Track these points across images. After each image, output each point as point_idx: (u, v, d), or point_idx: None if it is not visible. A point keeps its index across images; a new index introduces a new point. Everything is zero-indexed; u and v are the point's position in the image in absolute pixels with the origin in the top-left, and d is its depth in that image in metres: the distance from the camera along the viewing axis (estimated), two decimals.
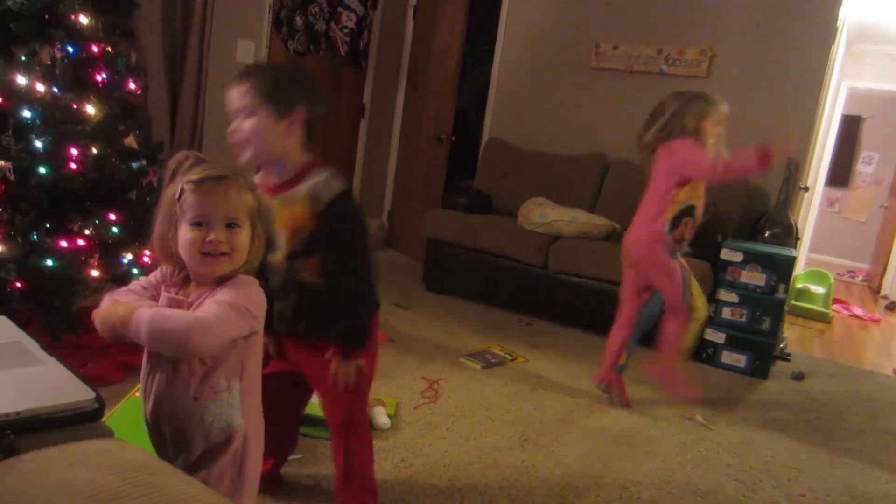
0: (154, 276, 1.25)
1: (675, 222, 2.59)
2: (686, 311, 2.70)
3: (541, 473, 2.14)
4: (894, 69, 6.66)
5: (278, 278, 1.52)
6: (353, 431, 1.69)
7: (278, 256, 1.50)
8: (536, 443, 2.35)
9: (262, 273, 1.37)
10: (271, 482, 1.82)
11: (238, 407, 1.21)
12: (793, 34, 4.07)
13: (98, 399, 1.03)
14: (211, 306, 1.12)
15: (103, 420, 1.06)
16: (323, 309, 1.53)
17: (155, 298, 1.21)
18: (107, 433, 1.01)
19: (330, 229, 1.47)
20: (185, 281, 1.22)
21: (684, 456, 2.41)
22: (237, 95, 1.43)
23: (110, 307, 1.12)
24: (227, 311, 1.12)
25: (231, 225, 1.16)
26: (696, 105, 2.55)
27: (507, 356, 3.20)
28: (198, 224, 1.15)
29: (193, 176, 1.16)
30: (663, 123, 2.58)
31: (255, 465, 1.27)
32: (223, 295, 1.14)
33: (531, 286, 3.96)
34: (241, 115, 1.44)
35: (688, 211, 2.60)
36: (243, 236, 1.17)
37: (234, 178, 1.18)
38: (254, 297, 1.18)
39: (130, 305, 1.11)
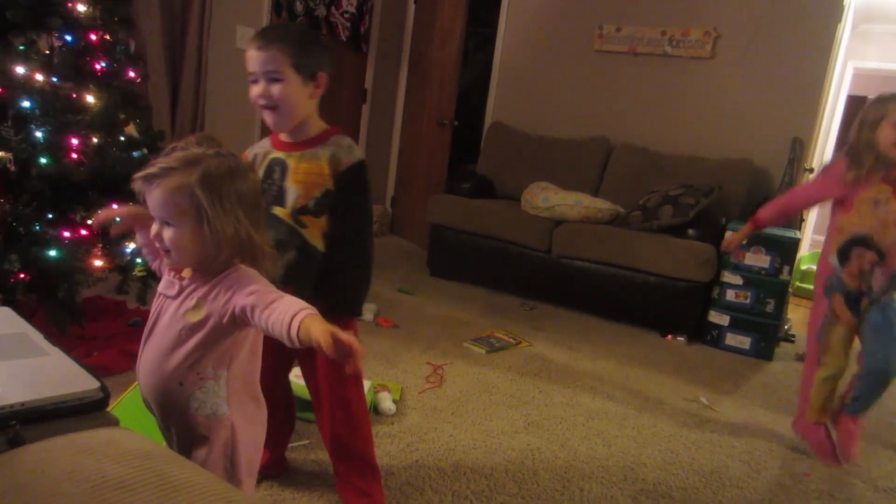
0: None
1: (845, 254, 2.25)
2: (813, 356, 2.39)
3: (546, 456, 2.15)
4: None
5: (280, 231, 1.50)
6: (340, 404, 1.68)
7: (286, 210, 1.51)
8: (541, 426, 2.36)
9: (268, 226, 1.40)
10: (275, 467, 1.83)
11: (224, 396, 1.19)
12: (798, 14, 4.03)
13: (103, 388, 1.03)
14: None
15: (109, 409, 1.06)
16: (315, 271, 1.53)
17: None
18: (112, 422, 1.02)
19: (345, 194, 1.51)
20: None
21: (689, 437, 2.42)
22: (262, 59, 1.44)
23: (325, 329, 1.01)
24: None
25: (165, 223, 1.13)
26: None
27: (512, 340, 3.20)
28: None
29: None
30: None
31: (248, 456, 1.25)
32: (255, 291, 1.11)
33: (535, 270, 3.96)
34: (264, 78, 1.45)
35: (860, 241, 2.22)
36: (175, 234, 1.12)
37: (168, 173, 1.11)
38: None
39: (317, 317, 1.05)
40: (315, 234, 1.52)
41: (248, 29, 4.11)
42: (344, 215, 1.53)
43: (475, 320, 3.47)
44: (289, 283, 1.43)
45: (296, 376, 2.27)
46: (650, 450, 2.29)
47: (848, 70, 6.58)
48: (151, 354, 1.19)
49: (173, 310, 1.18)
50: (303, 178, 1.50)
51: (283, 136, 1.56)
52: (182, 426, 1.20)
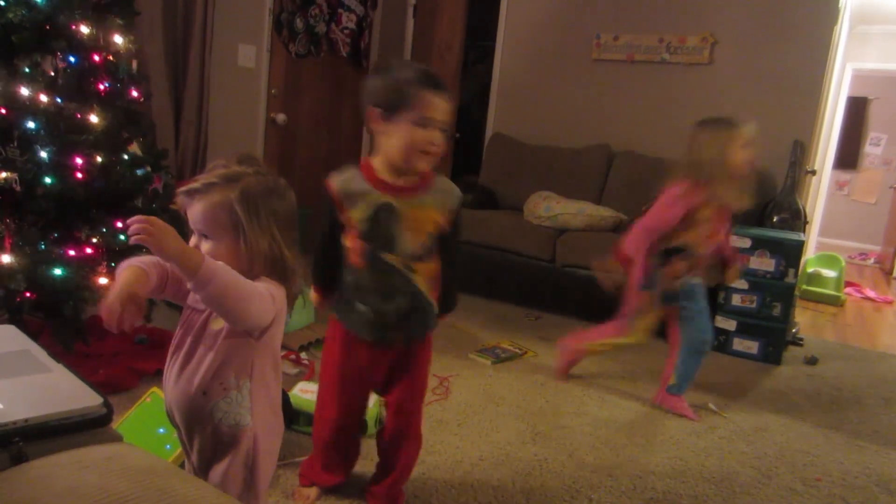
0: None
1: (665, 258, 2.53)
2: (618, 328, 2.67)
3: (554, 467, 2.13)
4: None
5: (391, 277, 1.55)
6: (417, 432, 1.79)
7: (396, 256, 1.53)
8: (549, 436, 2.35)
9: (370, 271, 1.52)
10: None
11: (247, 406, 1.22)
12: (794, 17, 4.04)
13: (106, 404, 1.04)
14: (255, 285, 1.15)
15: (115, 426, 1.07)
16: (426, 318, 1.65)
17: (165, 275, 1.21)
18: (115, 438, 1.02)
19: (454, 228, 1.60)
20: None
21: (697, 444, 2.40)
22: (447, 110, 1.50)
23: (174, 239, 1.05)
24: (266, 294, 1.15)
25: (203, 236, 1.19)
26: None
27: (518, 351, 3.19)
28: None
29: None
30: None
31: (267, 466, 1.28)
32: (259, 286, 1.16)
33: (539, 280, 3.96)
34: (440, 128, 1.49)
35: (680, 250, 2.51)
36: (213, 248, 1.17)
37: (209, 189, 1.16)
38: (276, 294, 1.19)
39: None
40: (422, 280, 1.58)
41: (249, 46, 4.16)
42: (450, 250, 1.63)
43: (480, 331, 3.47)
44: (401, 330, 1.62)
45: (300, 390, 2.28)
46: (659, 458, 2.27)
47: (847, 71, 6.58)
48: (178, 366, 1.22)
49: (201, 322, 1.21)
50: (415, 224, 1.53)
51: (386, 177, 1.54)
52: (205, 437, 1.22)
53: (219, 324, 1.19)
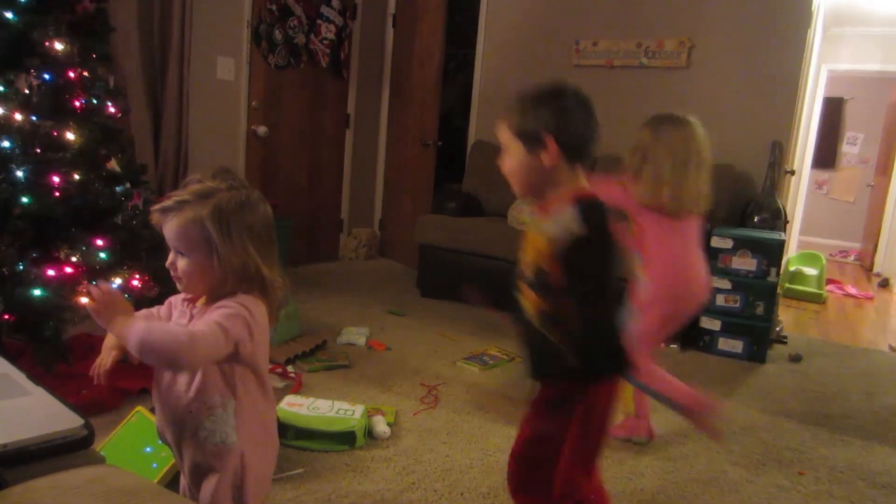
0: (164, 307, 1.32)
1: None
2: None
3: None
4: (872, 49, 6.71)
5: (519, 309, 1.43)
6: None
7: (523, 285, 1.41)
8: None
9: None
10: None
11: (233, 425, 1.21)
12: (769, 20, 4.10)
13: (87, 426, 1.02)
14: (200, 324, 1.14)
15: (100, 446, 1.05)
16: (536, 345, 1.41)
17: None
18: (98, 460, 1.01)
19: (569, 275, 1.30)
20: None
21: (686, 445, 2.41)
22: (498, 132, 1.43)
23: (119, 302, 1.12)
24: (215, 329, 1.13)
25: (179, 252, 1.20)
26: None
27: (505, 357, 3.19)
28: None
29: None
30: None
31: (256, 487, 1.27)
32: (215, 314, 1.16)
33: None
34: (503, 150, 1.41)
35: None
36: (187, 264, 1.19)
37: (182, 206, 1.17)
38: (235, 320, 1.16)
39: (132, 312, 1.14)
40: (529, 307, 1.39)
41: (228, 59, 4.14)
42: (575, 297, 1.31)
43: (467, 338, 3.47)
44: (532, 367, 1.44)
45: (288, 404, 2.26)
46: (648, 459, 2.28)
47: (822, 73, 6.68)
48: (166, 384, 1.23)
49: None
50: (528, 248, 1.39)
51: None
52: (194, 455, 1.22)
53: None
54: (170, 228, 1.18)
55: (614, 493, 2.03)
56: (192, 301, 1.26)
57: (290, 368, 2.80)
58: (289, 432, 2.14)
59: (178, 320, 1.25)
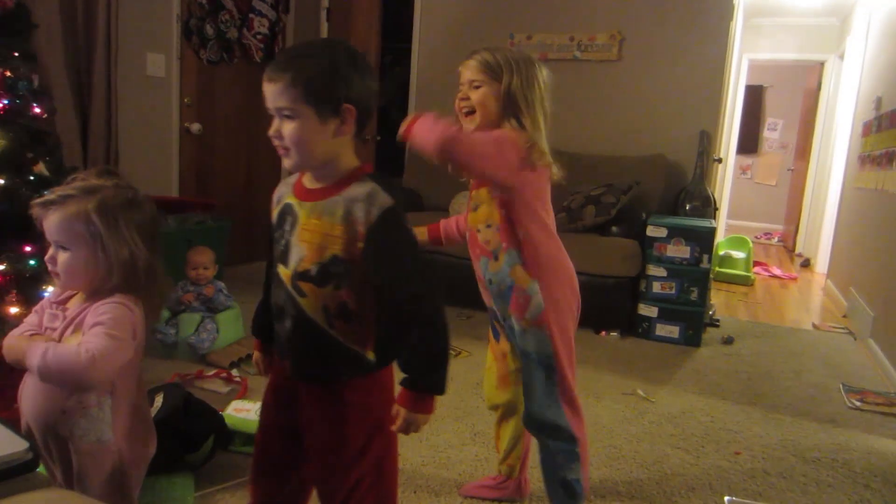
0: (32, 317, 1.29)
1: None
2: None
3: (494, 465, 2.16)
4: (789, 39, 7.03)
5: (279, 296, 1.26)
6: None
7: (288, 271, 1.23)
8: (487, 435, 2.38)
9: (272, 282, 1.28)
10: None
11: (108, 422, 1.21)
12: (693, 12, 4.26)
13: (32, 448, 0.99)
14: (92, 339, 1.13)
15: (39, 469, 1.02)
16: (317, 348, 1.24)
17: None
18: (43, 484, 0.97)
19: (377, 255, 1.17)
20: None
21: (629, 431, 2.49)
22: (271, 94, 1.16)
23: (14, 341, 1.16)
24: (109, 342, 1.13)
25: (60, 247, 1.19)
26: None
27: (452, 352, 3.21)
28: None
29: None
30: None
31: (137, 481, 1.29)
32: (100, 328, 1.15)
33: (468, 278, 3.96)
34: (278, 116, 1.17)
35: None
36: (67, 259, 1.18)
37: (65, 200, 1.17)
38: (122, 323, 1.17)
39: (28, 338, 1.15)
40: (314, 305, 1.21)
41: (158, 55, 4.00)
42: (390, 282, 1.19)
43: None
44: (286, 357, 1.29)
45: (235, 409, 2.23)
46: (594, 447, 2.34)
47: (744, 62, 6.97)
48: (34, 384, 1.21)
49: (56, 339, 1.21)
50: (309, 236, 1.19)
51: (306, 178, 1.27)
52: (66, 455, 1.21)
53: (75, 339, 1.18)
54: (51, 222, 1.17)
55: None
56: (63, 303, 1.25)
57: (234, 373, 2.75)
58: (236, 439, 2.11)
59: (51, 324, 1.23)
